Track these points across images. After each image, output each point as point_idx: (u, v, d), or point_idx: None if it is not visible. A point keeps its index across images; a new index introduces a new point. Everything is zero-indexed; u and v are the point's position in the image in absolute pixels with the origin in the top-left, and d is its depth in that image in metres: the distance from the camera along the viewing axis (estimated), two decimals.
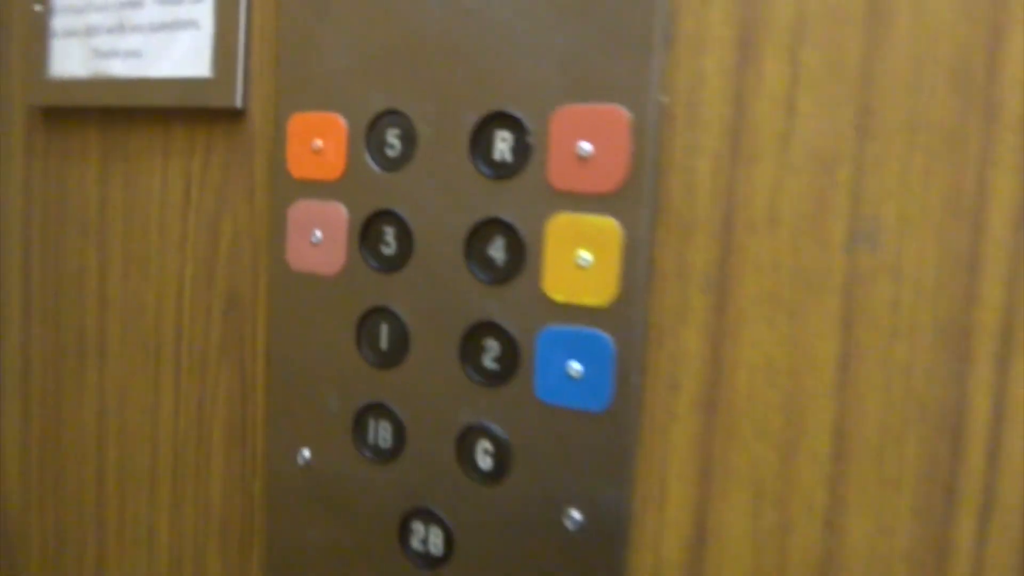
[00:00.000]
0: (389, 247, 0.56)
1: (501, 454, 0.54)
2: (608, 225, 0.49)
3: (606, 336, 0.50)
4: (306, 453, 0.60)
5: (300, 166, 0.58)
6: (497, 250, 0.53)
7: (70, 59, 0.70)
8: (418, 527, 0.57)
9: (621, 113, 0.48)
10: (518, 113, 0.51)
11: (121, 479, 0.72)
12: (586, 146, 0.49)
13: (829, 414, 0.47)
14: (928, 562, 0.46)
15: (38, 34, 0.71)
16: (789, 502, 0.48)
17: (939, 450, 0.45)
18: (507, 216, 0.52)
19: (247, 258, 0.63)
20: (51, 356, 0.74)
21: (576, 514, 0.52)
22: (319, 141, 0.57)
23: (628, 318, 0.50)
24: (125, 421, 0.71)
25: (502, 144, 0.52)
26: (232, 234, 0.64)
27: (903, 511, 0.46)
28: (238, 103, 0.62)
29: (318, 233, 0.58)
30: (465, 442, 0.55)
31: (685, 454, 0.50)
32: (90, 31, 0.69)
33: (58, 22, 0.71)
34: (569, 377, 0.51)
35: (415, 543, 0.57)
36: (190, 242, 0.66)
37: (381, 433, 0.58)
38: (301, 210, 0.59)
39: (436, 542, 0.56)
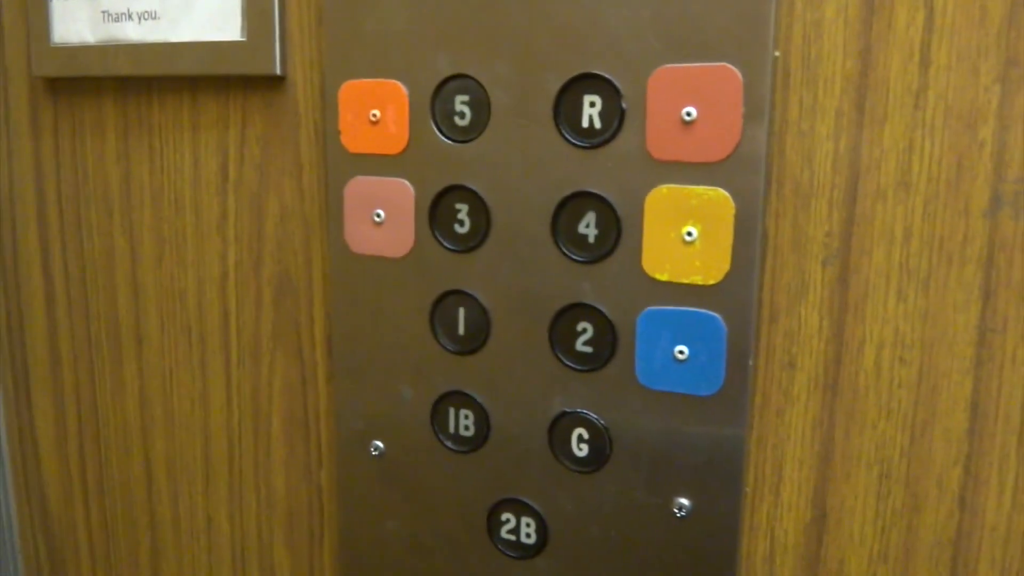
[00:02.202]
0: (463, 226, 0.51)
1: (599, 442, 0.50)
2: (717, 197, 0.45)
3: (716, 316, 0.46)
4: (379, 443, 0.57)
5: (356, 139, 0.53)
6: (589, 226, 0.48)
7: (75, 23, 0.63)
8: (508, 517, 0.54)
9: (731, 73, 0.43)
10: (609, 75, 0.46)
11: (171, 470, 0.68)
12: (691, 110, 0.44)
13: (965, 390, 0.44)
14: None
15: None
16: (919, 481, 0.45)
17: None
18: (599, 189, 0.47)
19: (298, 240, 0.59)
20: (81, 346, 0.70)
21: (684, 501, 0.49)
22: (376, 111, 0.52)
23: (740, 296, 0.46)
24: (171, 411, 0.67)
25: (591, 110, 0.47)
26: (279, 214, 0.59)
27: None
28: (277, 69, 0.56)
29: (381, 212, 0.53)
30: (558, 430, 0.51)
31: (803, 436, 0.47)
32: None
33: None
34: (675, 360, 0.47)
35: (505, 533, 0.54)
36: (231, 224, 0.61)
37: (463, 422, 0.54)
38: (359, 187, 0.54)
39: (528, 531, 0.54)
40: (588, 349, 0.50)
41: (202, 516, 0.67)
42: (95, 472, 0.72)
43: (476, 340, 0.53)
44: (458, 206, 0.51)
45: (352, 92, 0.53)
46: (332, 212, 0.55)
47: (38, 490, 0.76)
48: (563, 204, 0.48)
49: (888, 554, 0.47)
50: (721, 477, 0.48)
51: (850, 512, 0.47)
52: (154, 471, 0.69)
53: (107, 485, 0.72)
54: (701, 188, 0.45)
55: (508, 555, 0.54)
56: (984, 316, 0.43)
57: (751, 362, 0.46)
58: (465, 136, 0.50)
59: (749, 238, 0.45)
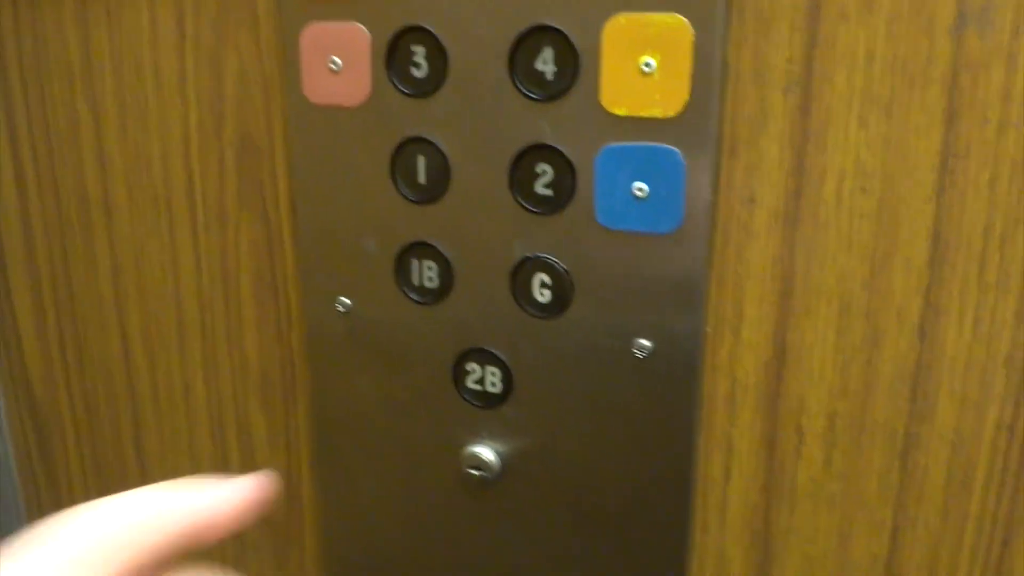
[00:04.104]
0: (420, 69, 0.50)
1: (560, 286, 0.50)
2: (676, 23, 0.43)
3: (675, 150, 0.45)
4: (346, 300, 0.57)
5: None
6: (546, 62, 0.47)
7: None
8: (473, 367, 0.54)
9: None
10: None
11: (147, 341, 0.68)
12: None
13: (927, 218, 0.43)
14: None
15: None
16: (879, 314, 0.45)
17: None
18: (556, 22, 0.46)
19: (258, 97, 0.57)
20: (53, 223, 0.69)
21: (645, 342, 0.49)
22: None
23: (699, 128, 0.45)
24: (143, 282, 0.67)
25: None
26: (238, 71, 0.57)
27: (1007, 316, 0.43)
28: None
29: (337, 60, 0.52)
30: (520, 276, 0.51)
31: (763, 272, 0.47)
32: None
33: None
34: (634, 198, 0.47)
35: (471, 383, 0.55)
36: (191, 84, 0.59)
37: (426, 273, 0.54)
38: (315, 34, 0.52)
39: (494, 380, 0.54)
40: (548, 192, 0.49)
41: (179, 384, 0.68)
42: (74, 350, 0.73)
43: (437, 188, 0.52)
44: (414, 49, 0.50)
45: None
46: (290, 63, 0.54)
47: (21, 373, 0.77)
48: (520, 40, 0.47)
49: (848, 388, 0.47)
50: (681, 317, 0.48)
51: (809, 348, 0.47)
52: (130, 344, 0.69)
53: (86, 362, 0.72)
54: (659, 15, 0.44)
55: (475, 405, 0.55)
56: (947, 140, 0.42)
57: (711, 197, 0.46)
58: None
59: (708, 67, 0.44)
